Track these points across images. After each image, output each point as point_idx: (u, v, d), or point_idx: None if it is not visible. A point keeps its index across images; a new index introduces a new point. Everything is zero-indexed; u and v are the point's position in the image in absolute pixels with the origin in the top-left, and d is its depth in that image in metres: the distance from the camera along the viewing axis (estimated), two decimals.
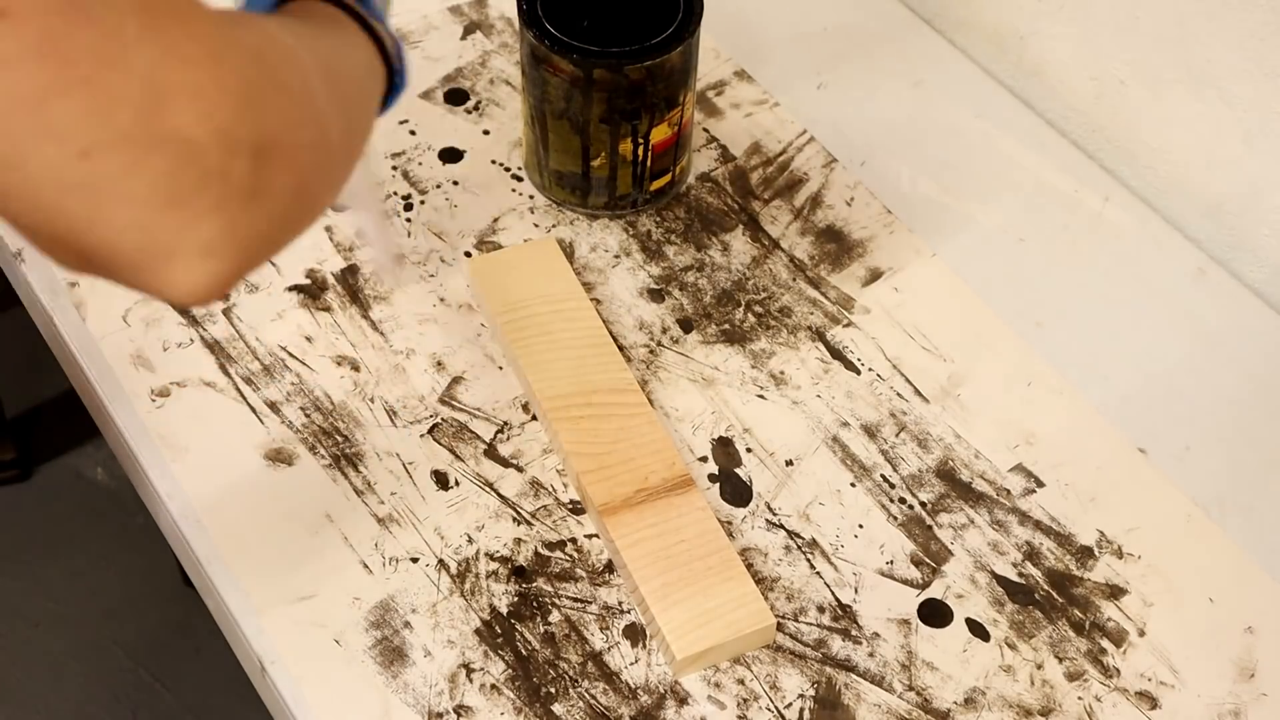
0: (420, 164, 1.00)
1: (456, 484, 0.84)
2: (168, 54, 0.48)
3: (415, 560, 0.81)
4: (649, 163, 0.95)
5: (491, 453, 0.86)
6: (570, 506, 0.84)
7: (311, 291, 0.93)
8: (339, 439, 0.86)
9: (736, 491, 0.85)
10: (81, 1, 0.46)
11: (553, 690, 0.77)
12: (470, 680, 0.77)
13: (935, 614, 0.81)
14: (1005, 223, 1.00)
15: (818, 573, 0.82)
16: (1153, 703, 0.78)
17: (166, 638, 1.65)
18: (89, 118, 0.46)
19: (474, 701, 0.76)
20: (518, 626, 0.79)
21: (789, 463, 0.86)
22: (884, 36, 1.12)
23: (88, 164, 0.46)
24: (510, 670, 0.77)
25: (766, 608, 0.78)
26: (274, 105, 0.51)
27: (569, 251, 0.96)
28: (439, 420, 0.87)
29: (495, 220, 0.97)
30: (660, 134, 0.93)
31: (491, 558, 0.81)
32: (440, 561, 0.81)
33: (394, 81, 0.68)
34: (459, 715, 0.76)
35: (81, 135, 0.46)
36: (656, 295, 0.94)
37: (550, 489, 0.84)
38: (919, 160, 1.03)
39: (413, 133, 1.01)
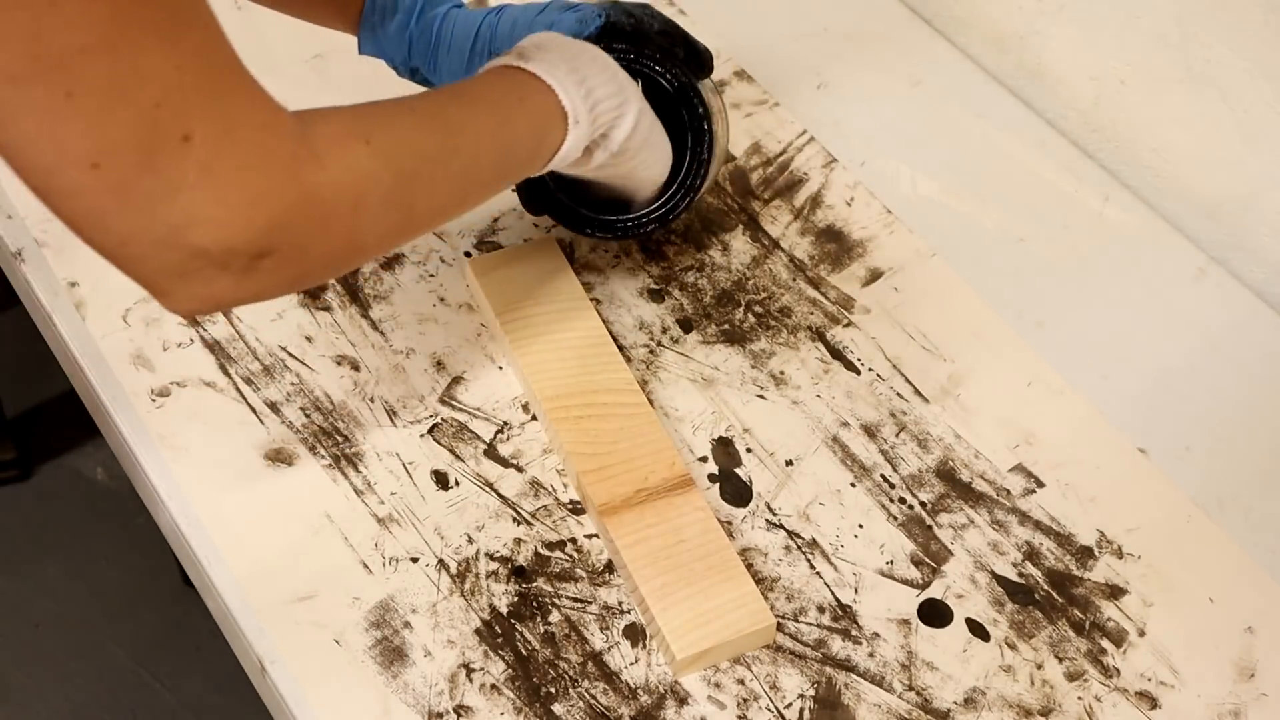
0: None
1: (456, 484, 0.84)
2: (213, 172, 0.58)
3: (415, 560, 0.81)
4: None
5: (491, 453, 0.86)
6: (570, 506, 0.84)
7: (311, 291, 0.93)
8: (339, 439, 0.86)
9: (736, 491, 0.85)
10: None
11: (553, 690, 0.77)
12: (470, 680, 0.77)
13: (935, 614, 0.81)
14: (1005, 223, 1.00)
15: (818, 573, 0.82)
16: (1153, 703, 0.78)
17: (166, 638, 1.65)
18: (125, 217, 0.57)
19: (474, 701, 0.76)
20: (518, 626, 0.79)
21: (789, 463, 0.86)
22: (884, 36, 1.12)
23: (124, 249, 0.59)
24: (510, 670, 0.77)
25: (766, 608, 0.78)
26: (301, 226, 0.62)
27: (569, 251, 0.96)
28: (439, 420, 0.87)
29: (495, 220, 0.97)
30: None
31: (491, 558, 0.81)
32: (440, 561, 0.81)
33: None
34: (459, 715, 0.76)
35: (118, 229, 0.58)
36: (656, 295, 0.94)
37: (550, 489, 0.84)
38: (919, 160, 1.03)
39: None
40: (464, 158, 0.73)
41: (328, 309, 0.92)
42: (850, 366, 0.91)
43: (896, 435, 0.88)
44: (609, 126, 0.80)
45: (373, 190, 0.65)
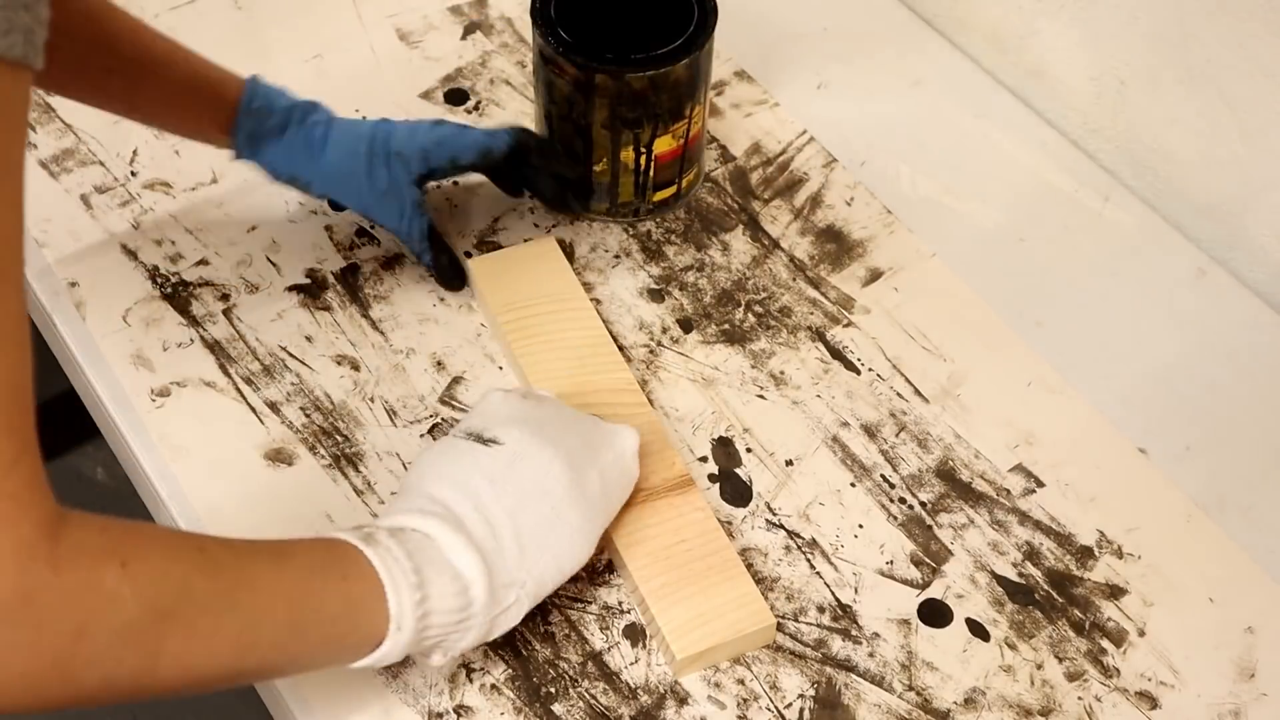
0: None
1: None
2: None
3: None
4: (652, 173, 0.94)
5: None
6: None
7: (311, 291, 0.93)
8: (339, 439, 0.86)
9: (736, 491, 0.85)
10: None
11: (553, 690, 0.77)
12: (470, 680, 0.77)
13: (935, 614, 0.81)
14: (1005, 223, 1.00)
15: (818, 573, 0.82)
16: (1153, 703, 0.78)
17: None
18: None
19: (474, 701, 0.76)
20: (517, 626, 0.79)
21: (789, 463, 0.86)
22: (884, 36, 1.12)
23: None
24: (510, 670, 0.77)
25: (766, 608, 0.78)
26: (4, 628, 0.54)
27: (569, 251, 0.96)
28: (439, 420, 0.87)
29: (495, 220, 0.97)
30: (664, 145, 0.93)
31: None
32: None
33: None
34: (459, 715, 0.76)
35: None
36: (656, 295, 0.94)
37: None
38: (919, 160, 1.03)
39: None
40: (244, 615, 0.62)
41: (328, 309, 0.92)
42: (850, 366, 0.91)
43: (896, 435, 0.88)
44: (443, 639, 0.70)
45: (109, 618, 0.56)
